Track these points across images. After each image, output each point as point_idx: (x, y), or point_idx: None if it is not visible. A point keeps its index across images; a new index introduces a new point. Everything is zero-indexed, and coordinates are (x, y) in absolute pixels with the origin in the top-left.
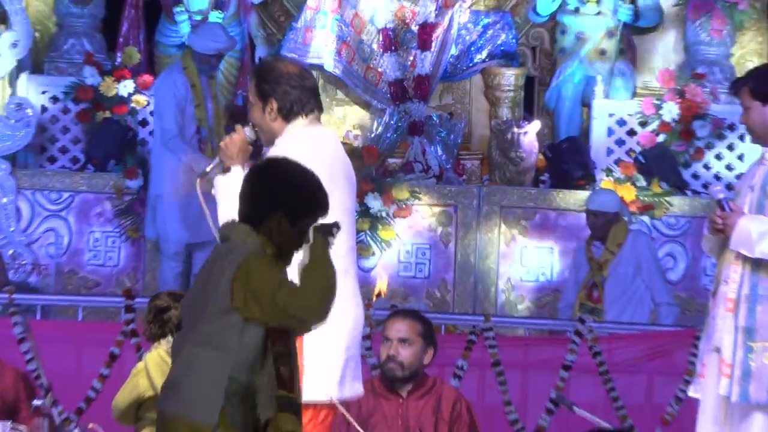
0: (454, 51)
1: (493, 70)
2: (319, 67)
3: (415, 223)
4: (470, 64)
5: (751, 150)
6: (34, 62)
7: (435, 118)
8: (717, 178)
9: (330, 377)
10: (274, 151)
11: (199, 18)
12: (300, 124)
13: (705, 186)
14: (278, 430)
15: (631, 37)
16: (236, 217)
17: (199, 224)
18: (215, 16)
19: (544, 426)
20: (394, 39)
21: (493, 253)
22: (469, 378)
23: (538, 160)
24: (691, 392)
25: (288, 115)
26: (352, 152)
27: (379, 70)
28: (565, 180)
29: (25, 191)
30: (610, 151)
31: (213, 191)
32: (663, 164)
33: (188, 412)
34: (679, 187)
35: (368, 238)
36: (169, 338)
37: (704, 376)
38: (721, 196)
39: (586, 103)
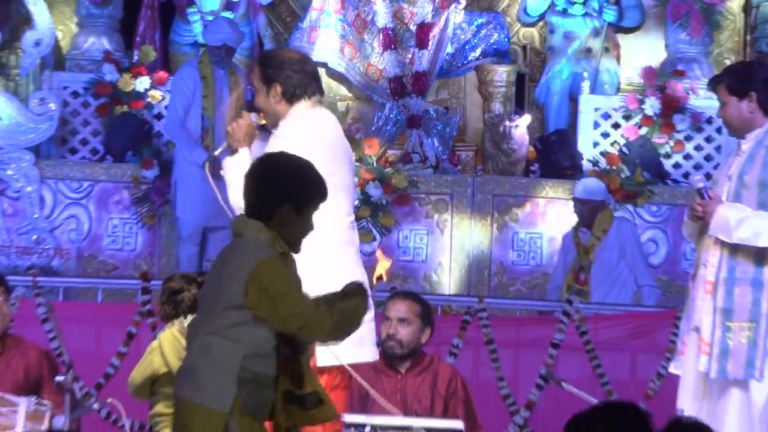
0: (449, 49)
1: (486, 67)
2: (324, 65)
3: (413, 210)
4: (465, 62)
5: (728, 142)
6: (57, 60)
7: (432, 112)
8: (696, 168)
9: (349, 340)
10: (280, 132)
11: (210, 18)
12: (303, 106)
13: (685, 176)
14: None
15: (615, 36)
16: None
17: (213, 208)
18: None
19: (534, 401)
20: (394, 38)
21: (487, 239)
22: (464, 356)
23: (529, 151)
24: (672, 369)
25: (291, 98)
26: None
27: (380, 67)
28: (554, 170)
29: (48, 180)
30: (596, 143)
31: (222, 172)
32: (645, 155)
33: (202, 399)
34: (661, 176)
35: (369, 225)
36: (182, 319)
37: (684, 353)
38: (700, 185)
39: (573, 98)
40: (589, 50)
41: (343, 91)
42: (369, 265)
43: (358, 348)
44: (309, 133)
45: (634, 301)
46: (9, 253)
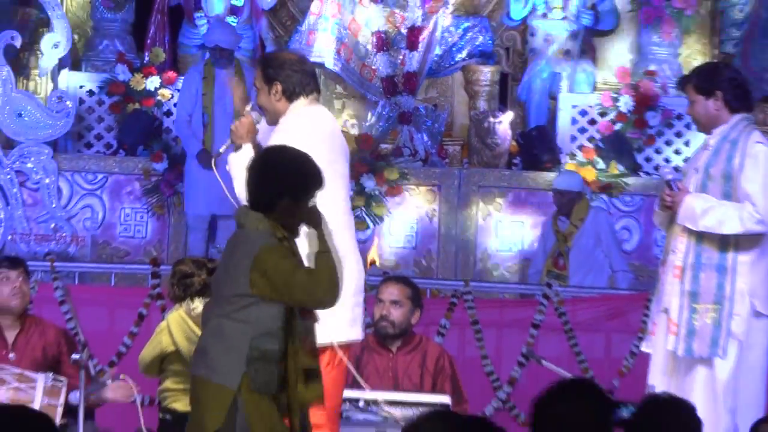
0: (438, 51)
1: (472, 67)
2: (321, 65)
3: (404, 200)
4: (452, 63)
5: (696, 137)
6: (73, 60)
7: (421, 109)
8: (666, 161)
9: (341, 320)
10: (281, 128)
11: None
12: (301, 103)
13: (656, 168)
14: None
15: (592, 39)
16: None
17: (218, 198)
18: (230, 21)
19: (516, 377)
20: (386, 40)
21: (472, 227)
22: (451, 335)
23: (511, 145)
24: (644, 347)
25: (291, 96)
26: (348, 138)
27: (373, 67)
28: (535, 163)
29: (65, 173)
30: (573, 138)
31: (227, 167)
32: (619, 149)
33: (213, 377)
34: (634, 169)
35: (363, 214)
36: (188, 301)
37: (655, 333)
38: (669, 177)
39: (552, 96)
40: (567, 52)
41: (339, 89)
42: (363, 251)
43: (350, 327)
44: (308, 128)
45: (609, 284)
46: (29, 240)
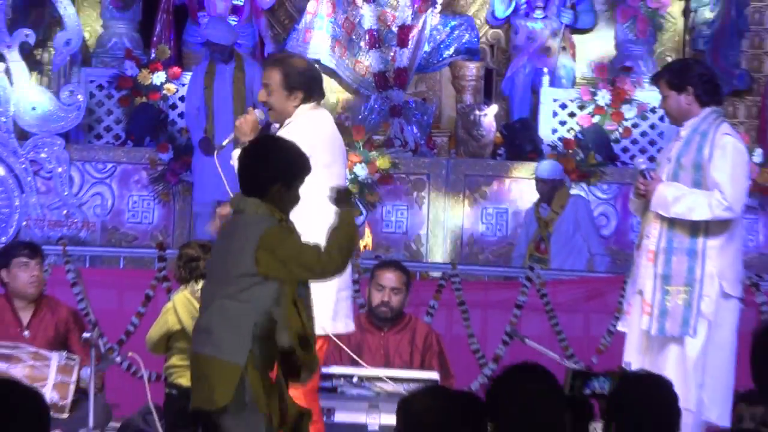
0: (426, 48)
1: (458, 63)
2: (317, 61)
3: (395, 188)
4: (440, 59)
5: (669, 129)
6: (84, 57)
7: (411, 103)
8: (642, 151)
9: (324, 313)
10: (291, 128)
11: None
12: (308, 107)
13: (632, 158)
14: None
15: (571, 37)
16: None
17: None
18: (231, 20)
19: (500, 354)
20: (378, 38)
21: (459, 213)
22: (439, 315)
23: (496, 137)
24: (620, 327)
25: (305, 101)
26: (343, 130)
27: (366, 63)
28: (518, 153)
29: (76, 162)
30: (554, 130)
31: (231, 162)
32: (598, 140)
33: (221, 354)
34: (611, 159)
35: (357, 201)
36: (193, 283)
37: (630, 313)
38: (643, 166)
39: (534, 91)
40: (548, 49)
41: (334, 84)
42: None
43: (334, 321)
44: (316, 129)
45: (588, 267)
46: (42, 226)
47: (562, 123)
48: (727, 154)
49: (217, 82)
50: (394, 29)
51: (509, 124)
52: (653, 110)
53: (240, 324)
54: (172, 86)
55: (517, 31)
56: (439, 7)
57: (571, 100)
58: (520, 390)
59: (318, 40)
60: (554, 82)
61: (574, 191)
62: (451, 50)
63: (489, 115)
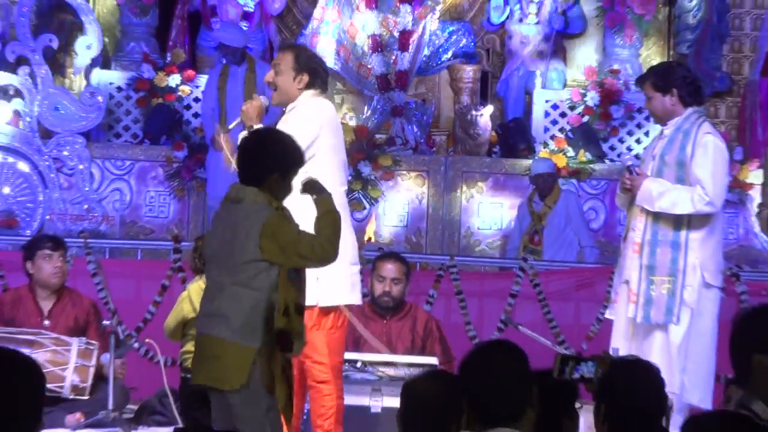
0: (426, 52)
1: (456, 66)
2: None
3: (396, 184)
4: (439, 62)
5: (654, 128)
6: (104, 60)
7: (412, 104)
8: (628, 149)
9: (344, 286)
10: (297, 111)
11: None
12: (311, 93)
13: (619, 156)
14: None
15: (563, 41)
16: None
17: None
18: (242, 26)
19: (503, 339)
20: (380, 42)
21: (457, 208)
22: (438, 304)
23: (491, 136)
24: (607, 315)
25: (309, 87)
26: (347, 129)
27: (369, 66)
28: (512, 151)
29: (96, 160)
30: (546, 129)
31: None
32: (587, 139)
33: (237, 338)
34: (600, 156)
35: (360, 196)
36: None
37: (617, 302)
38: (629, 163)
39: (528, 92)
40: (540, 53)
41: (339, 86)
42: (360, 229)
43: (350, 293)
44: (321, 113)
45: (578, 258)
46: (65, 220)
47: (554, 122)
48: (709, 152)
49: (230, 83)
50: (396, 34)
51: (504, 124)
52: (639, 110)
53: (253, 310)
54: (186, 88)
55: (511, 36)
56: (438, 14)
57: (562, 101)
58: (487, 364)
59: (324, 44)
60: (546, 84)
61: (565, 187)
62: (449, 54)
63: (485, 115)
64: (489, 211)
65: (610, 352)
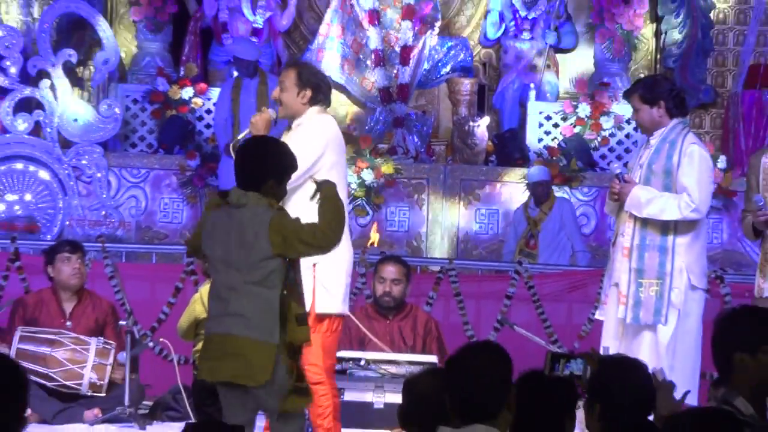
0: (426, 66)
1: (454, 80)
2: (328, 78)
3: (398, 191)
4: (438, 76)
5: (642, 138)
6: (121, 74)
7: (412, 115)
8: (618, 158)
9: (339, 295)
10: (302, 129)
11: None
12: (316, 110)
13: (609, 164)
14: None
15: (555, 56)
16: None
17: None
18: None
19: (492, 340)
20: (383, 57)
21: (455, 214)
22: (438, 305)
23: (488, 145)
24: (597, 315)
25: (312, 102)
26: (351, 139)
27: (372, 80)
28: (508, 160)
29: (113, 168)
30: (540, 139)
31: None
32: (579, 148)
33: (259, 335)
34: (591, 165)
35: (363, 203)
36: None
37: (607, 303)
38: (618, 171)
39: (522, 104)
40: (534, 66)
41: (343, 98)
42: (364, 234)
43: (344, 303)
44: (326, 129)
45: (571, 262)
46: (83, 225)
47: (547, 133)
48: (694, 161)
49: (243, 95)
50: (397, 49)
51: (500, 134)
52: (628, 121)
53: (270, 308)
54: (199, 100)
55: (507, 50)
56: (437, 30)
57: (555, 113)
58: (469, 363)
59: (329, 59)
60: (540, 97)
61: (559, 194)
62: (448, 68)
63: (482, 126)
64: (485, 217)
65: (601, 351)
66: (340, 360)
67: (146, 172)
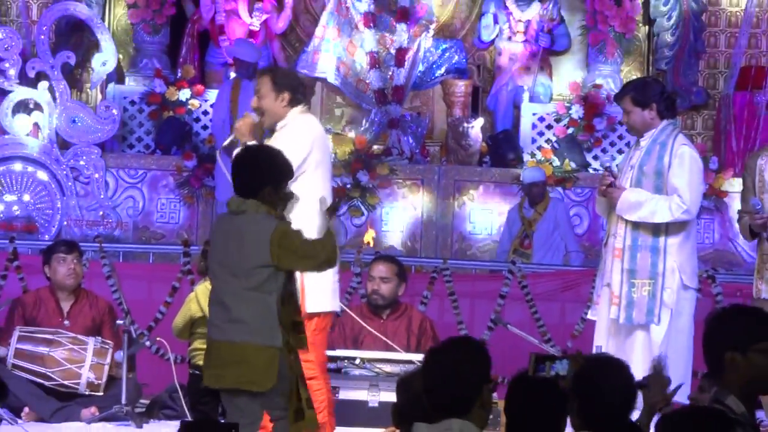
0: (421, 68)
1: (449, 81)
2: (324, 80)
3: (393, 192)
4: (432, 77)
5: (634, 139)
6: (119, 76)
7: (407, 117)
8: (611, 159)
9: (329, 293)
10: (286, 130)
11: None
12: (298, 111)
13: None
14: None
15: (549, 58)
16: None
17: None
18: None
19: (486, 339)
20: (378, 59)
21: (449, 214)
22: (432, 304)
23: (482, 146)
24: (590, 315)
25: (292, 103)
26: (347, 140)
27: (367, 81)
28: (502, 161)
29: (111, 169)
30: (533, 140)
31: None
32: (572, 149)
33: (260, 340)
34: (584, 166)
35: (359, 203)
36: None
37: (599, 304)
38: (607, 164)
39: (516, 106)
40: (528, 68)
41: (339, 100)
42: (359, 234)
43: (333, 299)
44: (310, 130)
45: (564, 262)
46: (81, 225)
47: (541, 134)
48: (685, 162)
49: (241, 96)
50: (392, 51)
51: (494, 135)
52: (621, 123)
53: (268, 311)
54: (195, 102)
55: (501, 53)
56: (432, 32)
57: (549, 114)
58: (444, 358)
59: (325, 61)
60: (533, 98)
61: (552, 195)
62: (443, 70)
63: (476, 128)
64: (480, 217)
65: (593, 351)
66: (335, 359)
67: (143, 172)
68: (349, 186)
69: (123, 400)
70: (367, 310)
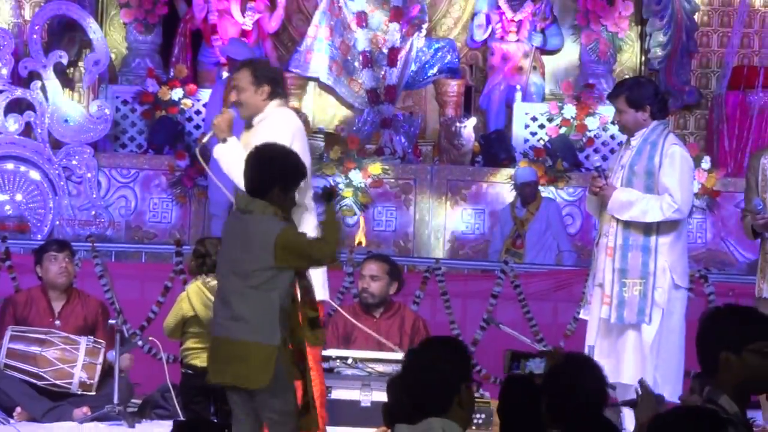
0: (413, 67)
1: (441, 81)
2: (317, 79)
3: (385, 191)
4: (425, 77)
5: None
6: (111, 75)
7: (400, 116)
8: (604, 158)
9: (320, 282)
10: (266, 123)
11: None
12: (276, 103)
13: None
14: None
15: (541, 57)
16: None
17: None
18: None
19: (478, 339)
20: (370, 59)
21: (442, 214)
22: (425, 304)
23: (474, 146)
24: (581, 315)
25: (271, 96)
26: (339, 140)
27: (359, 81)
28: (494, 160)
29: (104, 168)
30: (526, 140)
31: (215, 156)
32: (564, 149)
33: (259, 338)
34: (576, 165)
35: (351, 203)
36: (204, 276)
37: (591, 303)
38: (597, 164)
39: (508, 105)
40: (520, 68)
41: (331, 99)
42: (351, 234)
43: (323, 288)
44: (290, 122)
45: (556, 261)
46: (73, 225)
47: (533, 134)
48: (676, 162)
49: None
50: (385, 51)
51: (486, 135)
52: (613, 122)
53: (270, 311)
54: (188, 101)
55: (493, 52)
56: (424, 32)
57: (541, 114)
58: (423, 357)
59: (317, 60)
60: (526, 98)
61: (545, 195)
62: (435, 69)
63: (468, 127)
64: (472, 217)
65: (586, 351)
66: (328, 358)
67: (136, 172)
68: (341, 186)
69: (115, 400)
70: (360, 309)
